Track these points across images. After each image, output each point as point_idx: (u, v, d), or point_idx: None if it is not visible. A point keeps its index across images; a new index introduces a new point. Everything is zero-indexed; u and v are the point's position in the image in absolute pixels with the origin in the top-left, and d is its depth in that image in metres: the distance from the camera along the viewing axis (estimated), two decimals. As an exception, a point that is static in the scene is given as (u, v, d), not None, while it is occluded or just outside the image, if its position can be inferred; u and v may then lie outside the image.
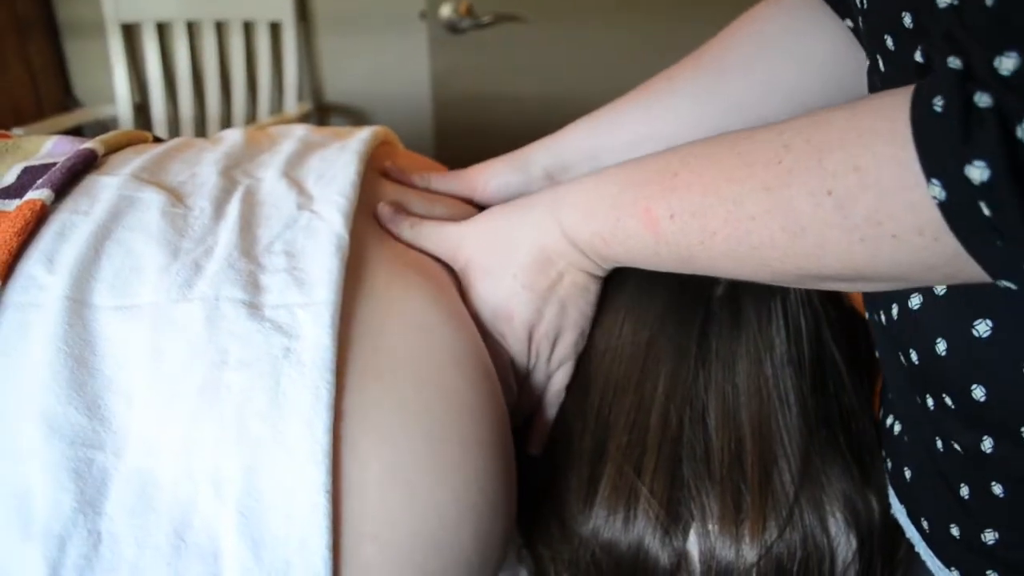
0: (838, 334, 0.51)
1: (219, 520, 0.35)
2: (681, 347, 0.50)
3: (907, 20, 0.32)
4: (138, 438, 0.37)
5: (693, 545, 0.47)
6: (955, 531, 0.41)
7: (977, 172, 0.26)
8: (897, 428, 0.47)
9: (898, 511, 0.47)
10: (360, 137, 0.55)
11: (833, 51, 0.51)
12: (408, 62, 1.94)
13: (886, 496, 0.48)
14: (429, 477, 0.38)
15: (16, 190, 0.45)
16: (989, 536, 0.39)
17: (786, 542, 0.46)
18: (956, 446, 0.39)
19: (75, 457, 0.36)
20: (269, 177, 0.49)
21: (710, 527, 0.46)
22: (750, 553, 0.45)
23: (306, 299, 0.41)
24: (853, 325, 0.53)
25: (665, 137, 0.55)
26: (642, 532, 0.47)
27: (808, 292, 0.51)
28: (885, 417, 0.49)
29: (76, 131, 1.94)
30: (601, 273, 0.50)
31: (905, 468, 0.45)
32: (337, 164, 0.51)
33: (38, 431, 0.36)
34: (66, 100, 2.03)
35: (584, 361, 0.52)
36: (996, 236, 0.27)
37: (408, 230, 0.52)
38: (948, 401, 0.38)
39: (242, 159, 0.52)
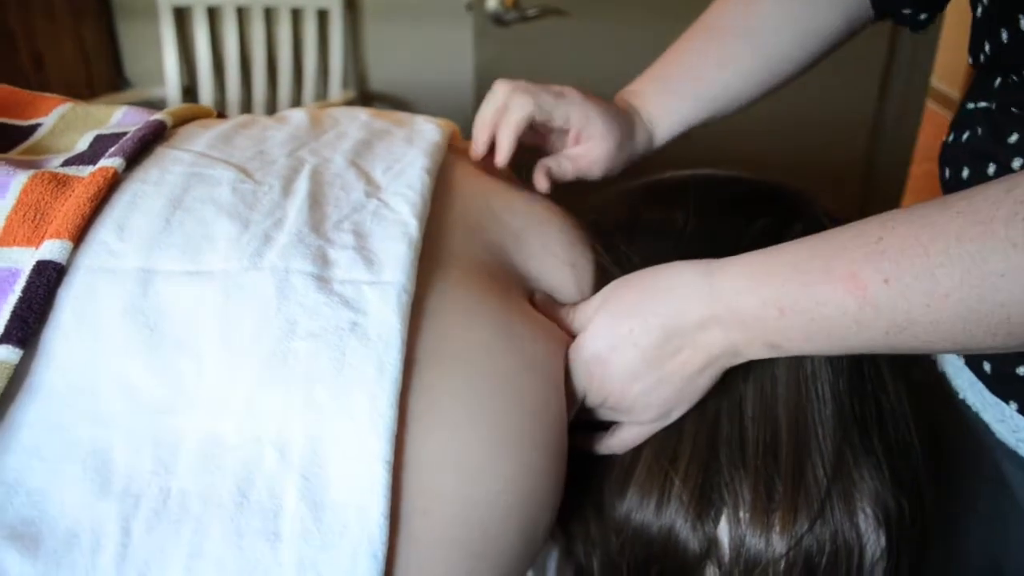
0: None
1: (282, 481, 0.36)
2: None
3: None
4: (207, 400, 0.38)
5: (724, 532, 0.47)
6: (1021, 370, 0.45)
7: None
8: None
9: (951, 362, 0.49)
10: (427, 129, 0.55)
11: None
12: (452, 53, 1.95)
13: (917, 499, 0.48)
14: (485, 465, 0.39)
15: (89, 157, 0.46)
16: None
17: (816, 535, 0.46)
18: None
19: (151, 422, 0.37)
20: (336, 160, 0.50)
21: (741, 515, 0.46)
22: (780, 544, 0.46)
23: (374, 277, 0.41)
24: None
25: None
26: (674, 517, 0.47)
27: None
28: None
29: (126, 111, 1.98)
30: (733, 360, 0.45)
31: None
32: (406, 157, 0.51)
33: (117, 396, 0.38)
34: (117, 81, 2.06)
35: None
36: None
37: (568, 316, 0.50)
38: None
39: (308, 139, 0.52)
